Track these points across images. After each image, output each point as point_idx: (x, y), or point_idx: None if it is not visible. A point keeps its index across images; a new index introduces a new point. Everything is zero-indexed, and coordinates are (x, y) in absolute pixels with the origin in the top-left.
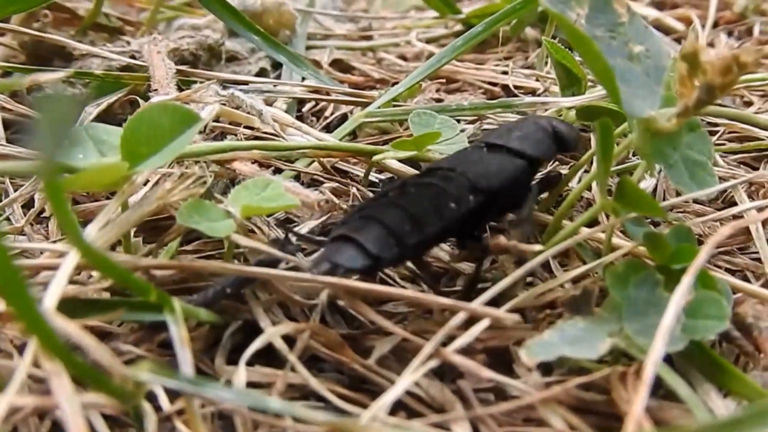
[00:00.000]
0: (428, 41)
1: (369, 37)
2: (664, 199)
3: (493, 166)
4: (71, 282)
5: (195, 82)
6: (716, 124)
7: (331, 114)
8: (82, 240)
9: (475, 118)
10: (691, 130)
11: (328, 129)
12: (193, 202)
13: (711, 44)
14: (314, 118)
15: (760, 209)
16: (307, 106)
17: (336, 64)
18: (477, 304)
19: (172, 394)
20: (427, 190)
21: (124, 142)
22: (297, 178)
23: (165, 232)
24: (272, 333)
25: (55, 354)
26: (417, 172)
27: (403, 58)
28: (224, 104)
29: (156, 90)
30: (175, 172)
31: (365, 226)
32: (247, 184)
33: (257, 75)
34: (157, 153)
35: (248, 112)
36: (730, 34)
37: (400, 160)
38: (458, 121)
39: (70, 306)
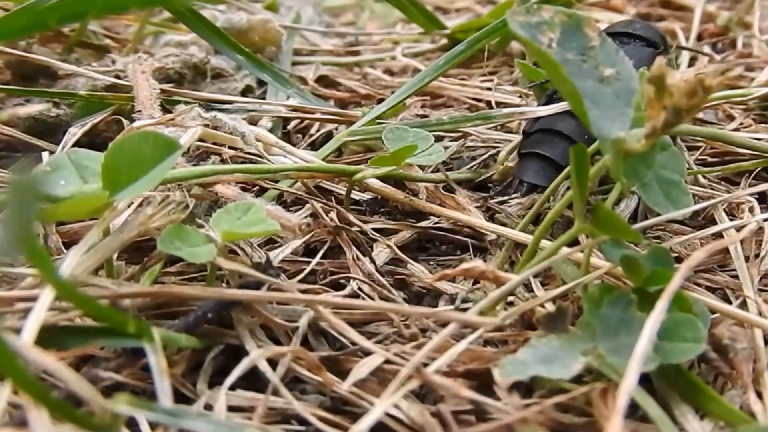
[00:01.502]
0: (415, 55)
1: (355, 53)
2: (646, 218)
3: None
4: (51, 308)
5: (179, 102)
6: (697, 140)
7: (317, 131)
8: (57, 278)
9: (460, 134)
10: (663, 149)
11: (314, 146)
12: (174, 228)
13: (694, 57)
14: (300, 135)
15: (738, 228)
16: (293, 123)
17: (322, 80)
18: (457, 313)
19: (153, 423)
20: None
21: (105, 169)
22: (280, 196)
23: (148, 254)
24: (255, 357)
25: (30, 392)
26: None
27: (389, 72)
28: (208, 125)
29: (140, 111)
30: (157, 196)
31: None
32: (229, 208)
33: (243, 92)
34: (137, 180)
35: (231, 133)
36: (714, 46)
37: (382, 179)
38: (442, 138)
39: (49, 334)
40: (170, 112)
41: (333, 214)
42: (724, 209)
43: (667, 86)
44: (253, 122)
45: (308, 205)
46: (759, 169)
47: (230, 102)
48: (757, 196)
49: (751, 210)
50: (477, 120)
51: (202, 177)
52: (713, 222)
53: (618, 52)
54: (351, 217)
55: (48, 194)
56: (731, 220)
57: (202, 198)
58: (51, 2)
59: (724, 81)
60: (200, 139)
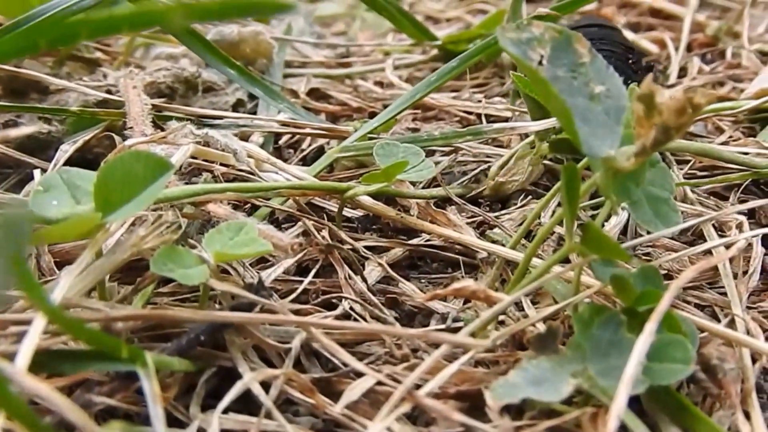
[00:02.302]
0: (406, 66)
1: (347, 64)
2: (636, 232)
3: None
4: (45, 331)
5: (171, 117)
6: (686, 154)
7: (308, 146)
8: (48, 306)
9: (451, 149)
10: (652, 166)
11: (305, 161)
12: (166, 249)
13: (684, 67)
14: (291, 150)
15: (727, 246)
16: (284, 138)
17: (313, 92)
18: (448, 335)
19: None
20: None
21: (98, 190)
22: (272, 213)
23: (140, 273)
24: (248, 380)
25: (22, 421)
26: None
27: (381, 84)
28: (200, 142)
29: (131, 128)
30: (149, 217)
31: None
32: (221, 228)
33: (234, 105)
34: (130, 201)
35: (223, 150)
36: (703, 57)
37: (373, 195)
38: (433, 152)
39: (43, 359)
40: (162, 127)
41: (325, 232)
42: (713, 224)
43: (656, 104)
44: (244, 137)
45: (300, 223)
46: (748, 182)
47: (221, 117)
48: (745, 212)
49: (740, 227)
50: (468, 135)
51: (194, 196)
52: (702, 237)
53: (608, 68)
54: (343, 234)
55: (41, 216)
56: (720, 236)
57: (194, 217)
58: (42, 24)
59: (713, 99)
60: (192, 156)
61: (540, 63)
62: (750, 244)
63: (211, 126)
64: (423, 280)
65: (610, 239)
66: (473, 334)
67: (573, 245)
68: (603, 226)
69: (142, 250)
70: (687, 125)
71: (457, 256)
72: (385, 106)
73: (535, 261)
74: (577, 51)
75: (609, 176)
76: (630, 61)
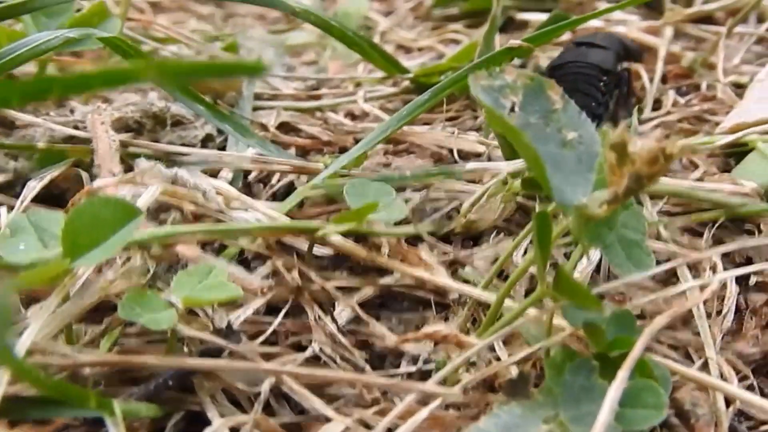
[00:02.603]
0: (378, 98)
1: (317, 96)
2: (608, 273)
3: None
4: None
5: (139, 154)
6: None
7: (278, 181)
8: (13, 360)
9: (423, 186)
10: (625, 208)
11: (276, 196)
12: (134, 294)
13: (659, 100)
14: (262, 184)
15: (702, 287)
16: (254, 173)
17: (283, 126)
18: (418, 384)
19: None
20: None
21: (66, 235)
22: (242, 252)
23: (108, 314)
24: (217, 427)
25: None
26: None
27: (352, 115)
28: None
29: (99, 165)
30: (118, 260)
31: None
32: (190, 271)
33: (204, 140)
34: (98, 246)
35: (193, 189)
36: (678, 89)
37: (344, 234)
38: (404, 188)
39: (9, 405)
40: (130, 165)
41: (295, 272)
42: (687, 264)
43: (628, 154)
44: (213, 173)
45: (269, 262)
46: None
47: (189, 154)
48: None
49: (714, 268)
50: (440, 175)
51: (163, 238)
52: (676, 275)
53: (581, 114)
54: (312, 275)
55: (7, 262)
56: (694, 276)
57: (163, 258)
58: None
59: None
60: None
61: (512, 110)
62: (725, 284)
63: (180, 163)
64: (394, 320)
65: (581, 287)
66: (444, 381)
67: (545, 290)
68: (576, 266)
69: (110, 294)
70: (660, 174)
71: (428, 296)
72: (357, 140)
73: (507, 301)
74: (550, 98)
75: (581, 222)
76: (602, 85)
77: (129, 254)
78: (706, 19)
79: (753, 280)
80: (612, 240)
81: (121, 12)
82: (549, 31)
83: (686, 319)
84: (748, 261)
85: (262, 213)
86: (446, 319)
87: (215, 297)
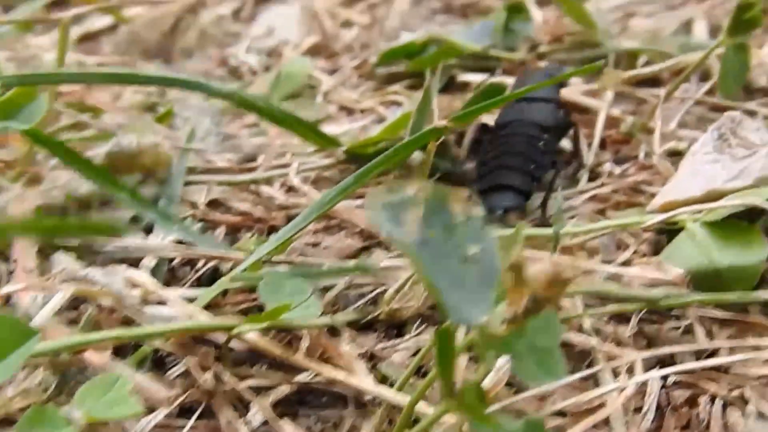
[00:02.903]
0: (312, 170)
1: (251, 168)
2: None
3: None
4: None
5: (58, 247)
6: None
7: (204, 265)
8: None
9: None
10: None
11: (200, 281)
12: (33, 412)
13: (599, 164)
14: (187, 268)
15: (621, 390)
16: (178, 259)
17: (214, 202)
18: None
19: None
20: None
21: None
22: (156, 350)
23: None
24: None
25: None
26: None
27: (288, 187)
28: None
29: (15, 260)
30: (20, 375)
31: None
32: (95, 382)
33: (130, 221)
34: None
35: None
36: (616, 154)
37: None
38: None
39: None
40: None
41: (209, 374)
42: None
43: (524, 277)
44: (136, 261)
45: (184, 361)
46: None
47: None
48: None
49: (630, 370)
50: (355, 271)
51: (71, 347)
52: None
53: (483, 228)
54: (227, 375)
55: None
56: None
57: (72, 364)
58: None
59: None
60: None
61: (411, 227)
62: (645, 382)
63: (99, 254)
64: (312, 417)
65: (478, 405)
66: None
67: (451, 405)
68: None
69: (10, 411)
70: (558, 297)
71: (346, 392)
72: (289, 217)
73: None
74: (452, 210)
75: (484, 339)
76: (542, 144)
77: (33, 366)
78: (651, 80)
79: (673, 378)
80: (521, 348)
81: (51, 91)
82: (477, 109)
83: (606, 419)
84: (671, 355)
85: (179, 308)
86: (363, 417)
87: (116, 414)
